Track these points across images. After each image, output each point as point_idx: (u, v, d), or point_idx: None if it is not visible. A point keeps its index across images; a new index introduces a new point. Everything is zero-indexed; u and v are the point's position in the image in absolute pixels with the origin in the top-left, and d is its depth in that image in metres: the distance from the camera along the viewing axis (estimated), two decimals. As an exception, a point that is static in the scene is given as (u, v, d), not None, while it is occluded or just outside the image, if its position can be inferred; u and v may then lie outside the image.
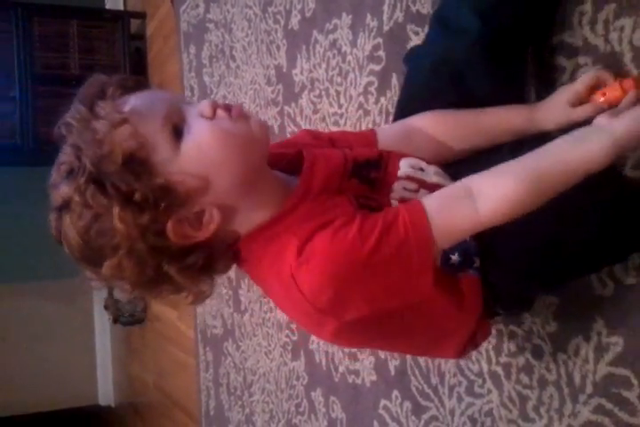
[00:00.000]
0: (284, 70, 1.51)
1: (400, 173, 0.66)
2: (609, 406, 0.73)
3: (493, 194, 0.56)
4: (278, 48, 1.53)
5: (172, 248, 0.58)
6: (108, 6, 3.32)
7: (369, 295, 0.57)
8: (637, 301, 0.69)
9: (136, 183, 0.55)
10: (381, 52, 1.15)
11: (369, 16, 1.17)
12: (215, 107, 0.60)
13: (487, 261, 0.64)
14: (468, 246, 0.62)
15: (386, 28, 1.13)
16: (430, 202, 0.58)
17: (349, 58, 1.25)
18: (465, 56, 0.71)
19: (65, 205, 0.56)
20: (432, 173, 0.67)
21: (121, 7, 3.19)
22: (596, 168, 0.56)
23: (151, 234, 0.56)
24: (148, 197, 0.55)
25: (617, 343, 0.72)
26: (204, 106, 0.60)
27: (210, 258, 0.60)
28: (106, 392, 3.66)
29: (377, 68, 1.16)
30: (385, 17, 1.13)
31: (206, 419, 2.13)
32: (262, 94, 1.62)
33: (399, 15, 1.09)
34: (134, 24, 2.85)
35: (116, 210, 0.54)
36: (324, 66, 1.34)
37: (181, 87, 2.24)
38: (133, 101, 0.59)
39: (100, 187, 0.54)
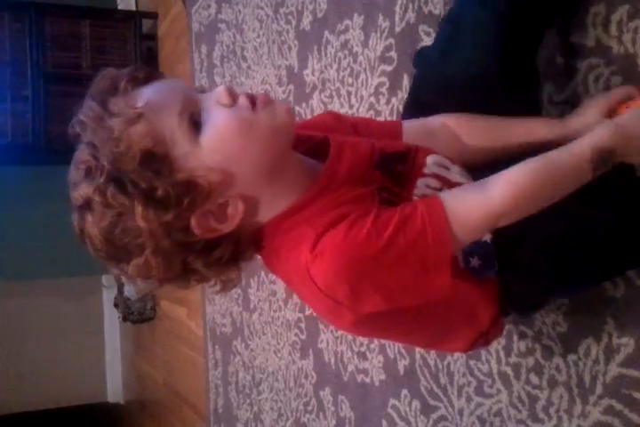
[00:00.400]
0: (296, 71, 1.51)
1: (426, 169, 0.65)
2: (619, 407, 0.73)
3: (501, 179, 0.57)
4: (290, 48, 1.54)
5: (197, 243, 0.57)
6: (120, 6, 3.34)
7: (385, 291, 0.56)
8: (649, 302, 0.69)
9: (157, 180, 0.54)
10: (393, 53, 1.15)
11: (381, 17, 1.18)
12: (233, 93, 0.57)
13: (504, 263, 0.63)
14: (489, 250, 0.62)
15: (398, 28, 1.13)
16: (447, 196, 0.58)
17: (361, 58, 1.25)
18: (477, 57, 0.68)
19: (86, 205, 0.55)
20: (456, 173, 0.66)
21: (133, 7, 3.21)
22: (601, 147, 0.56)
23: (176, 231, 0.55)
24: (169, 194, 0.54)
25: (627, 344, 0.72)
26: (221, 93, 0.57)
27: (236, 249, 0.59)
28: (115, 390, 3.69)
29: (388, 68, 1.17)
30: (397, 18, 1.13)
31: (215, 417, 2.15)
32: (273, 94, 1.63)
33: (411, 16, 1.09)
34: (146, 24, 2.87)
35: (138, 209, 0.53)
36: (335, 66, 1.35)
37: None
38: (147, 95, 0.56)
39: (120, 186, 0.53)
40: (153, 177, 0.54)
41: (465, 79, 0.69)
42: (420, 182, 0.64)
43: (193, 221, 0.56)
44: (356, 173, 0.61)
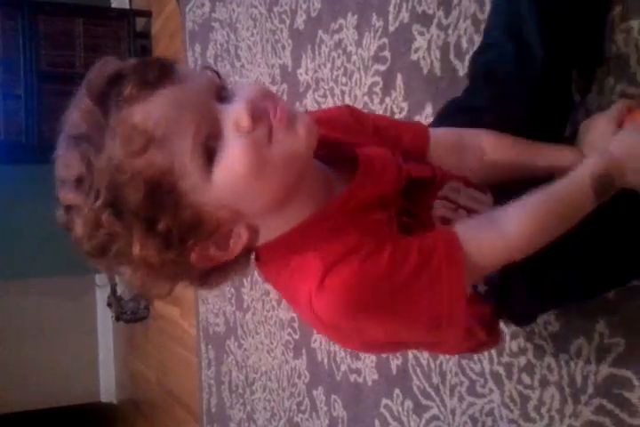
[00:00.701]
0: (289, 70, 1.51)
1: (441, 192, 0.63)
2: (610, 406, 0.73)
3: (513, 216, 0.56)
4: (283, 47, 1.54)
5: (194, 271, 0.53)
6: (113, 5, 3.33)
7: (391, 331, 0.55)
8: (640, 302, 0.70)
9: (159, 213, 0.48)
10: (386, 53, 1.15)
11: (374, 16, 1.18)
12: (255, 114, 0.49)
13: (508, 287, 0.63)
14: (493, 276, 0.62)
15: (391, 28, 1.13)
16: (464, 237, 0.55)
17: (354, 58, 1.25)
18: (551, 63, 0.67)
19: (75, 210, 0.49)
20: (465, 197, 0.64)
21: (127, 6, 3.20)
22: (599, 174, 0.57)
23: (175, 265, 0.51)
24: (172, 231, 0.48)
25: (619, 344, 0.72)
26: (242, 117, 0.49)
27: (229, 273, 0.56)
28: (108, 389, 3.68)
29: (382, 68, 1.17)
30: (390, 17, 1.13)
31: (208, 416, 2.14)
32: (267, 93, 1.63)
33: (405, 15, 1.09)
34: (140, 22, 2.86)
35: (136, 238, 0.48)
36: (328, 66, 1.34)
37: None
38: (157, 112, 0.47)
39: (117, 213, 0.47)
40: (157, 211, 0.48)
41: (522, 90, 0.68)
42: (436, 204, 0.62)
43: (193, 256, 0.51)
44: (377, 195, 0.57)
